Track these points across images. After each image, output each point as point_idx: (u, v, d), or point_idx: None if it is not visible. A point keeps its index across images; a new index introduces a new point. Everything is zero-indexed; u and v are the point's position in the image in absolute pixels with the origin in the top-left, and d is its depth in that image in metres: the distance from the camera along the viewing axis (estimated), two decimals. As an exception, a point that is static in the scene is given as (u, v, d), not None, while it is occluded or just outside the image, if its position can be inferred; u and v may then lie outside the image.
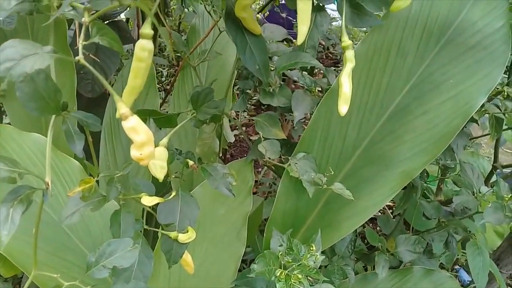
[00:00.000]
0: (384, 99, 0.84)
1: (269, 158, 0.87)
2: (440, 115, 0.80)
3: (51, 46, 0.37)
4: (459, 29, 0.79)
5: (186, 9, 1.64)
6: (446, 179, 1.39)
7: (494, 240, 1.49)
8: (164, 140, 0.59)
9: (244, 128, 2.46)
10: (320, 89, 0.97)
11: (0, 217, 0.39)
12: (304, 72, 0.96)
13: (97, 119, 0.48)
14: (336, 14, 1.73)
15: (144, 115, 0.66)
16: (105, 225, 0.56)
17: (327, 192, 0.88)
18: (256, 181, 1.73)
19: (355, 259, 1.17)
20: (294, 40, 0.58)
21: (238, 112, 2.34)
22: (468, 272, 1.49)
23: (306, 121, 1.66)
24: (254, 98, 2.42)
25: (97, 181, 0.53)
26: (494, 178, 1.26)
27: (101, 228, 0.86)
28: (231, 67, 1.02)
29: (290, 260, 0.72)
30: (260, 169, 1.94)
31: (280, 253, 0.73)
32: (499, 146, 1.23)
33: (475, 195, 1.01)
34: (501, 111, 0.98)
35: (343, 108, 0.53)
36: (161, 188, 0.70)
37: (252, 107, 2.59)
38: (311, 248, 0.72)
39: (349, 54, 0.52)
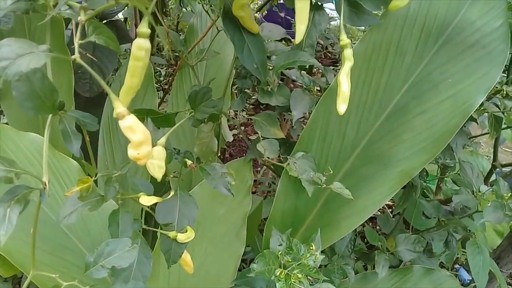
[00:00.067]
0: (382, 98, 0.84)
1: (268, 158, 0.87)
2: (439, 114, 0.80)
3: (48, 45, 0.37)
4: (457, 28, 0.79)
5: (184, 9, 1.64)
6: (445, 178, 1.39)
7: (494, 239, 1.49)
8: (162, 140, 0.59)
9: (242, 128, 2.46)
10: (318, 88, 0.97)
11: (-3, 217, 0.39)
12: (302, 72, 0.95)
13: (94, 119, 0.48)
14: (334, 14, 1.73)
15: (142, 114, 0.66)
16: (104, 225, 0.56)
17: (326, 191, 0.88)
18: (255, 181, 1.73)
19: (355, 258, 1.17)
20: (292, 40, 0.58)
21: (237, 111, 2.33)
22: (468, 271, 1.49)
23: (305, 120, 1.66)
24: (253, 97, 2.42)
25: (96, 181, 0.52)
26: (493, 177, 1.26)
27: (100, 228, 0.86)
28: (229, 66, 1.02)
29: (290, 260, 0.71)
30: (259, 169, 1.94)
31: (280, 252, 0.73)
32: (498, 145, 1.23)
33: (475, 194, 1.01)
34: (500, 110, 0.98)
35: (342, 107, 0.53)
36: (159, 187, 0.70)
37: (251, 106, 2.59)
38: (311, 248, 0.72)
39: (348, 53, 0.52)
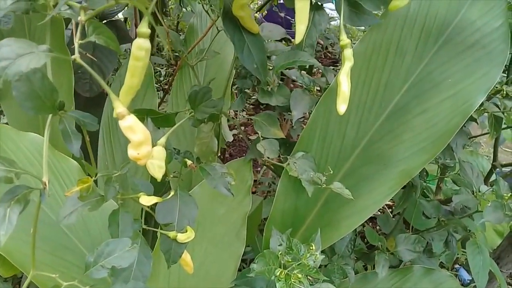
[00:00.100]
0: (382, 98, 0.84)
1: (268, 158, 0.87)
2: (439, 114, 0.80)
3: (48, 45, 0.37)
4: (457, 28, 0.79)
5: (184, 9, 1.64)
6: (445, 178, 1.39)
7: (494, 239, 1.49)
8: (162, 140, 0.59)
9: (242, 128, 2.46)
10: (318, 88, 0.97)
11: (-3, 217, 0.39)
12: (302, 72, 0.95)
13: (94, 119, 0.48)
14: (334, 14, 1.73)
15: (142, 114, 0.66)
16: (104, 225, 0.56)
17: (326, 191, 0.88)
18: (255, 181, 1.73)
19: (355, 258, 1.17)
20: (292, 40, 0.58)
21: (237, 111, 2.33)
22: (468, 271, 1.49)
23: (305, 120, 1.66)
24: (253, 97, 2.42)
25: (96, 181, 0.52)
26: (493, 177, 1.26)
27: (100, 228, 0.86)
28: (229, 66, 1.02)
29: (290, 260, 0.71)
30: (259, 169, 1.94)
31: (280, 252, 0.73)
32: (498, 145, 1.23)
33: (475, 194, 1.01)
34: (500, 110, 0.98)
35: (342, 107, 0.53)
36: (159, 187, 0.70)
37: (251, 106, 2.59)
38: (311, 248, 0.72)
39: (348, 53, 0.52)
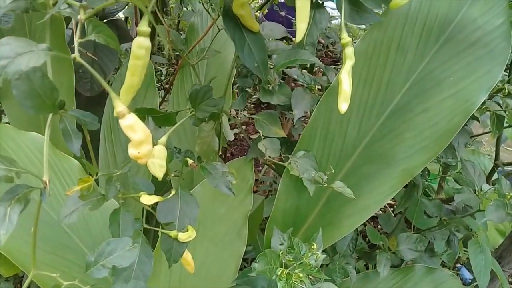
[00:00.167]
0: (384, 96, 0.84)
1: (269, 157, 0.87)
2: (441, 112, 0.80)
3: (48, 44, 0.37)
4: (459, 26, 0.79)
5: (184, 8, 1.64)
6: (447, 177, 1.38)
7: (495, 238, 1.49)
8: (163, 139, 0.59)
9: (244, 127, 2.46)
10: (320, 87, 0.96)
11: (-3, 216, 0.39)
12: (303, 70, 0.95)
13: (94, 118, 0.48)
14: (335, 13, 1.73)
15: (143, 113, 0.66)
16: (105, 224, 0.56)
17: (328, 191, 0.88)
18: (256, 180, 1.72)
19: (357, 257, 1.17)
20: (293, 39, 0.58)
21: (238, 110, 2.33)
22: (470, 271, 1.48)
23: (306, 119, 1.66)
24: (254, 96, 2.42)
25: (97, 180, 0.52)
26: (495, 176, 1.25)
27: (101, 227, 0.86)
28: (230, 65, 1.02)
29: (291, 259, 0.71)
30: (260, 168, 1.94)
31: (281, 252, 0.73)
32: (500, 144, 1.23)
33: (477, 193, 1.01)
34: (502, 108, 0.98)
35: (343, 105, 0.53)
36: (161, 187, 0.70)
37: (252, 105, 2.59)
38: (312, 247, 0.72)
39: (349, 51, 0.52)
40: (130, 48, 0.43)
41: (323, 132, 0.87)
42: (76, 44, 0.38)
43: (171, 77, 2.14)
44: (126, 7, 1.33)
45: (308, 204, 0.90)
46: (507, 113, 0.98)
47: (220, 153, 0.93)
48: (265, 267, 0.69)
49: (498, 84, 0.98)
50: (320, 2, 0.66)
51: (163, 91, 2.17)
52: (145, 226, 0.62)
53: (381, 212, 1.78)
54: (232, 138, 1.05)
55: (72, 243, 0.84)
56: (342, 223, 0.88)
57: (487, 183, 1.04)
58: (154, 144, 0.49)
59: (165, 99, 1.56)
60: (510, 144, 2.25)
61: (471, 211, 1.06)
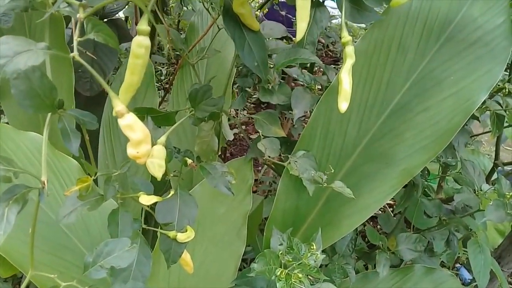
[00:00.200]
0: (384, 96, 0.83)
1: (269, 157, 0.86)
2: (441, 112, 0.80)
3: (47, 43, 0.37)
4: (459, 25, 0.78)
5: (184, 7, 1.64)
6: (447, 177, 1.38)
7: (495, 238, 1.49)
8: (162, 138, 0.59)
9: (243, 127, 2.46)
10: (320, 86, 0.96)
11: (-5, 216, 0.39)
12: (303, 70, 0.95)
13: (93, 117, 0.47)
14: (335, 12, 1.72)
15: (142, 113, 0.66)
16: (104, 224, 0.56)
17: (327, 190, 0.88)
18: (256, 180, 1.72)
19: (356, 257, 1.17)
20: (293, 38, 0.57)
21: (238, 110, 2.33)
22: (469, 271, 1.48)
23: (306, 119, 1.66)
24: (254, 96, 2.42)
25: (97, 181, 0.52)
26: (495, 176, 1.25)
27: (100, 227, 0.85)
28: (230, 64, 1.02)
29: (291, 259, 0.71)
30: (260, 168, 1.94)
31: (281, 252, 0.72)
32: (500, 144, 1.22)
33: (476, 193, 1.01)
34: (502, 108, 0.98)
35: (343, 105, 0.52)
36: (160, 187, 0.70)
37: (252, 105, 2.59)
38: (312, 247, 0.72)
39: (349, 50, 0.51)
40: (130, 48, 0.43)
41: (323, 131, 0.87)
42: (75, 43, 0.38)
43: (171, 77, 2.14)
44: (126, 6, 1.33)
45: (308, 204, 0.90)
46: (507, 112, 0.98)
47: (220, 153, 0.93)
48: (264, 268, 0.69)
49: (499, 84, 0.98)
50: (321, 0, 0.66)
51: (163, 91, 2.16)
52: (144, 226, 0.62)
53: (380, 212, 1.78)
54: (231, 138, 1.05)
55: (71, 243, 0.84)
56: (342, 223, 0.88)
57: (486, 183, 1.04)
58: (153, 144, 0.49)
59: (165, 99, 1.56)
60: (510, 144, 2.25)
61: (470, 211, 1.06)
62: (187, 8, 1.64)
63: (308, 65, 1.17)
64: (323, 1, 0.66)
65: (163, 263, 0.60)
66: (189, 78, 1.17)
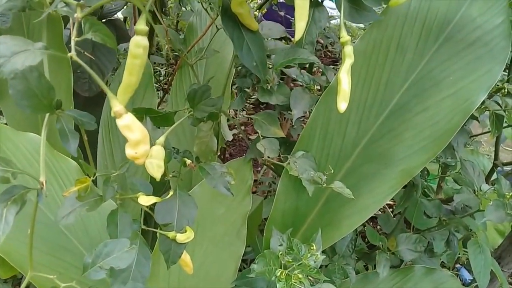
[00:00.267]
0: (383, 96, 0.83)
1: (268, 157, 0.86)
2: (440, 112, 0.80)
3: (45, 43, 0.37)
4: (458, 25, 0.78)
5: (183, 8, 1.64)
6: (446, 177, 1.38)
7: (495, 238, 1.49)
8: (161, 139, 0.59)
9: (243, 127, 2.46)
10: (319, 87, 0.96)
11: (-6, 217, 0.39)
12: (302, 70, 0.95)
13: (92, 118, 0.47)
14: (334, 13, 1.73)
15: (141, 113, 0.65)
16: (104, 225, 0.55)
17: (327, 191, 0.88)
18: (255, 180, 1.72)
19: (356, 258, 1.17)
20: (292, 39, 0.57)
21: (237, 110, 2.33)
22: (470, 271, 1.48)
23: (305, 119, 1.66)
24: (253, 96, 2.42)
25: (96, 181, 0.52)
26: (494, 176, 1.25)
27: (99, 228, 0.85)
28: (229, 65, 1.02)
29: (291, 260, 0.71)
30: (259, 168, 1.93)
31: (280, 252, 0.72)
32: (499, 144, 1.22)
33: (476, 193, 1.01)
34: (501, 108, 0.98)
35: (342, 105, 0.52)
36: (159, 187, 0.70)
37: (251, 106, 2.59)
38: (312, 248, 0.72)
39: (348, 50, 0.51)
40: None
41: (322, 132, 0.87)
42: (72, 43, 0.38)
43: (169, 78, 2.14)
44: (125, 7, 1.33)
45: (307, 205, 0.90)
46: (506, 112, 0.98)
47: (219, 154, 0.93)
48: (264, 268, 0.69)
49: (498, 84, 0.98)
50: (319, 0, 0.66)
51: (161, 91, 2.16)
52: (143, 227, 0.61)
53: (380, 212, 1.78)
54: (230, 138, 1.05)
55: (70, 244, 0.83)
56: (342, 223, 0.88)
57: (486, 183, 1.04)
58: (152, 144, 0.48)
59: (164, 99, 1.56)
60: (509, 144, 2.25)
61: (470, 211, 1.06)
62: (186, 9, 1.64)
63: (307, 65, 1.17)
64: (322, 1, 0.66)
65: (163, 264, 0.60)
66: (188, 79, 1.17)
